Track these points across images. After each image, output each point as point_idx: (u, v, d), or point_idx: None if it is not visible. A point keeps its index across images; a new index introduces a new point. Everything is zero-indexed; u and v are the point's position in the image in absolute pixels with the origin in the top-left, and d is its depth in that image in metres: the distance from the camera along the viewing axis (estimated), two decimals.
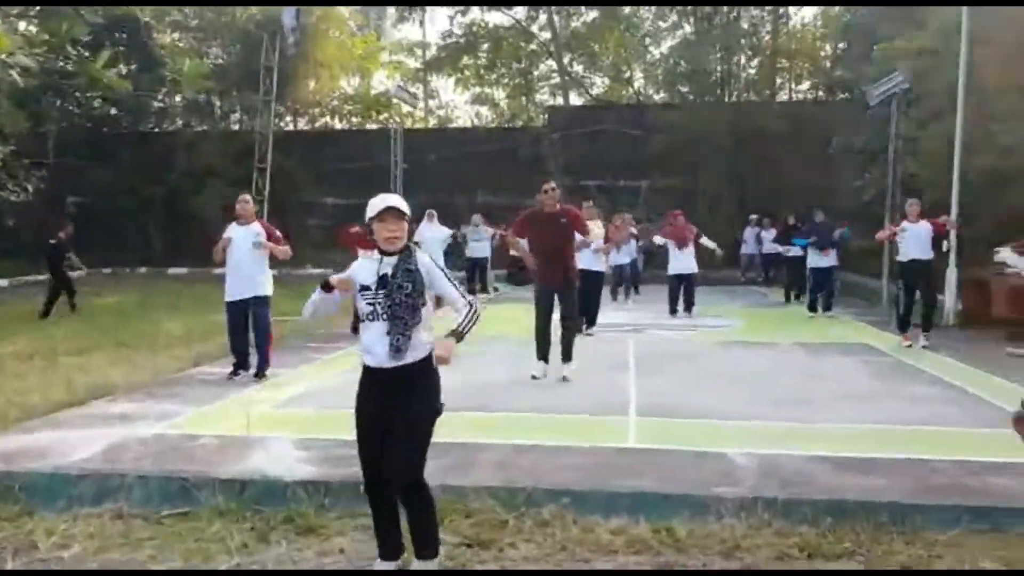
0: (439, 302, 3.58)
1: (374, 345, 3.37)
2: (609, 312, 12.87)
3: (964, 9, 11.23)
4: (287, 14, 20.00)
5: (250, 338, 7.70)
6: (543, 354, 7.50)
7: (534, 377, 7.37)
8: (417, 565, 3.45)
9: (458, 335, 3.37)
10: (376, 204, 3.38)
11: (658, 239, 12.92)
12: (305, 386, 7.31)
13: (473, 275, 15.89)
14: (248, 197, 7.75)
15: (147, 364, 8.25)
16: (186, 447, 5.27)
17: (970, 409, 6.39)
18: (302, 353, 9.06)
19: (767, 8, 24.84)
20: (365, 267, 3.48)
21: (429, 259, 3.48)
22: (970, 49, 11.15)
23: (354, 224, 10.91)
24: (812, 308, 12.50)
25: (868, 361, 8.62)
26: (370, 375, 3.44)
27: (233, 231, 7.54)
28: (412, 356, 3.36)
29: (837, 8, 23.99)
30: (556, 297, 7.49)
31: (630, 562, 3.76)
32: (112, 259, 22.67)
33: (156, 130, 27.94)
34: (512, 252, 14.42)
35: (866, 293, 15.11)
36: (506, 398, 6.68)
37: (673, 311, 12.54)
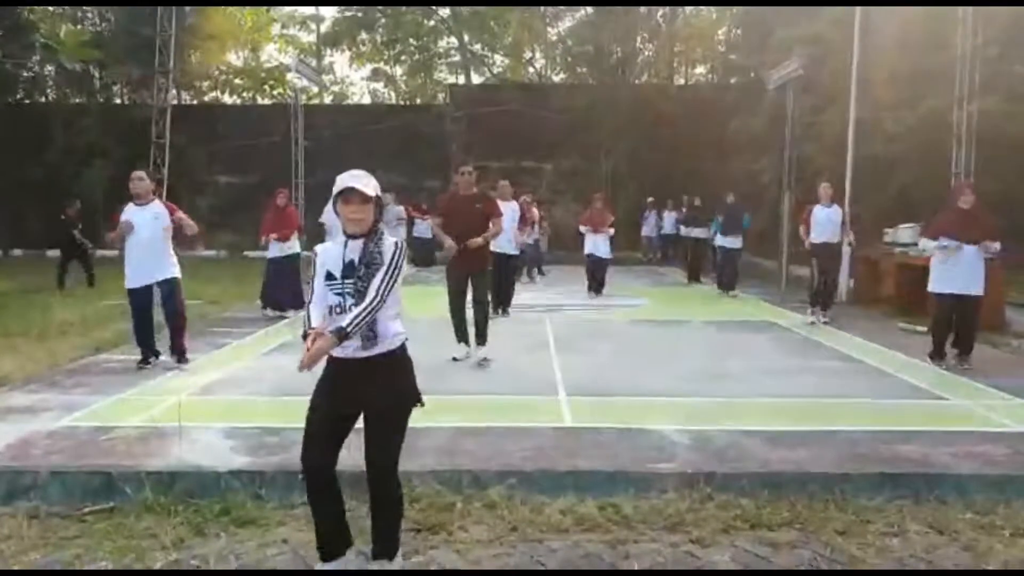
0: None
1: None
2: (521, 293, 12.95)
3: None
4: None
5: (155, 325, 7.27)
6: (462, 336, 7.48)
7: (455, 359, 7.34)
8: (375, 565, 3.30)
9: (340, 331, 2.97)
10: (339, 183, 3.10)
11: (582, 228, 13.02)
12: (222, 372, 7.00)
13: None
14: (143, 174, 7.21)
15: (42, 354, 7.68)
16: (104, 439, 4.94)
17: (876, 381, 6.80)
18: (209, 338, 8.68)
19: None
20: (331, 253, 3.19)
21: (394, 244, 3.18)
22: (862, 39, 11.74)
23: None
24: (721, 285, 12.94)
25: (776, 337, 9.02)
26: (337, 367, 3.17)
27: (131, 212, 7.03)
28: (384, 346, 3.15)
29: None
30: (468, 280, 7.44)
31: (582, 540, 3.79)
32: None
33: (27, 102, 25.88)
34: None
35: (763, 273, 15.79)
36: (433, 382, 6.49)
37: (590, 289, 12.74)
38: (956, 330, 7.32)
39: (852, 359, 7.74)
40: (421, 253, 17.69)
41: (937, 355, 7.27)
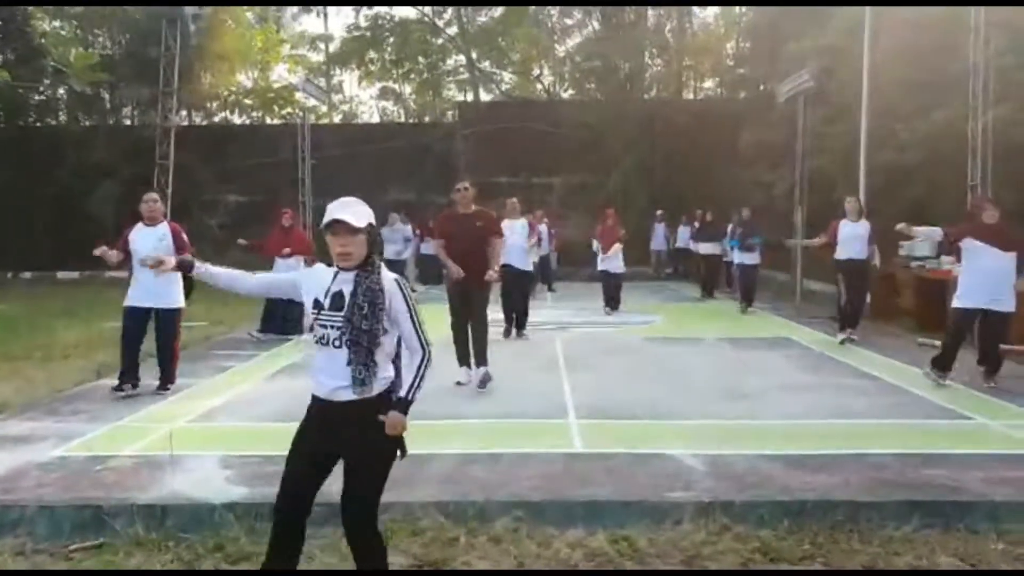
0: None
1: (326, 374, 2.90)
2: (530, 311, 12.78)
3: (867, 9, 11.64)
4: None
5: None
6: (464, 359, 7.23)
7: (459, 383, 7.09)
8: None
9: (406, 403, 2.87)
10: (326, 215, 2.87)
11: (594, 244, 12.84)
12: (223, 398, 6.83)
13: None
14: (155, 196, 7.12)
15: (43, 378, 7.55)
16: (96, 471, 4.77)
17: (896, 400, 6.55)
18: (211, 361, 8.53)
19: (672, 7, 25.30)
20: (316, 279, 2.97)
21: (396, 281, 2.93)
22: (872, 48, 11.56)
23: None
24: (750, 303, 12.67)
25: (793, 355, 8.79)
26: (320, 408, 2.95)
27: (139, 232, 6.95)
28: (374, 389, 2.89)
29: (737, 9, 24.68)
30: (469, 300, 7.21)
31: None
32: None
33: (38, 124, 26.02)
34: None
35: (777, 287, 15.53)
36: (440, 406, 6.37)
37: (607, 305, 12.56)
38: (982, 346, 7.05)
39: (871, 376, 7.51)
40: (429, 271, 17.53)
41: (939, 366, 6.90)
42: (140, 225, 7.02)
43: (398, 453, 3.02)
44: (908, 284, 10.79)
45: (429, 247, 17.29)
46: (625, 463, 4.80)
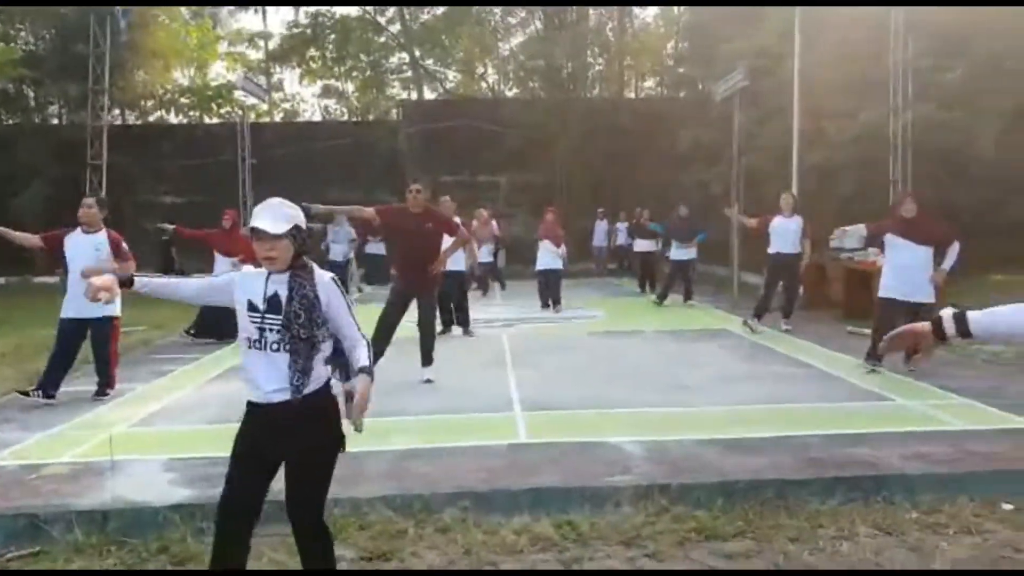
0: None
1: (262, 378, 2.86)
2: (479, 308, 12.88)
3: (796, 12, 12.05)
4: None
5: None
6: (376, 356, 7.16)
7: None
8: None
9: (369, 371, 2.87)
10: (253, 217, 2.85)
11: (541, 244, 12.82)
12: (163, 402, 6.75)
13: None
14: (92, 201, 6.84)
15: None
16: (31, 478, 4.68)
17: (826, 385, 6.89)
18: (151, 366, 8.40)
19: (613, 7, 25.65)
20: (251, 281, 2.92)
21: (331, 280, 2.95)
22: (803, 50, 11.98)
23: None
24: (662, 297, 12.96)
25: (730, 345, 9.09)
26: (259, 413, 2.91)
27: (75, 239, 6.74)
28: (312, 388, 2.88)
29: (676, 9, 25.15)
30: (415, 301, 7.25)
31: (538, 560, 3.71)
32: None
33: None
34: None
35: (716, 281, 15.94)
36: (383, 403, 6.38)
37: (544, 304, 12.66)
38: None
39: (803, 364, 7.82)
40: (375, 272, 17.48)
41: (874, 356, 7.22)
42: (78, 231, 6.78)
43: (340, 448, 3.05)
44: (838, 275, 11.21)
45: (374, 247, 17.30)
46: (568, 452, 4.95)
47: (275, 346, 2.85)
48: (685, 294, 12.91)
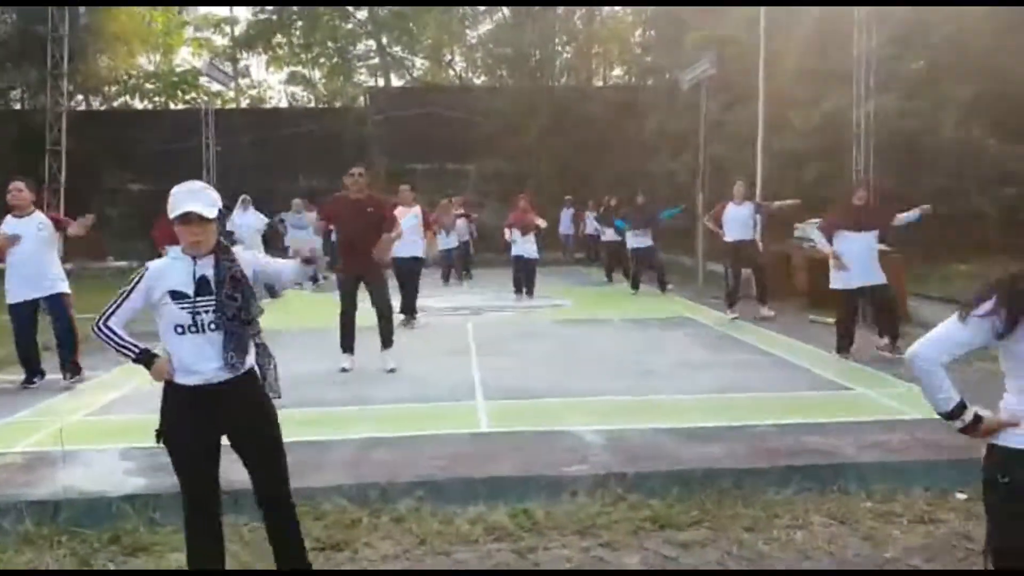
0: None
1: (200, 361, 2.87)
2: (446, 295, 12.85)
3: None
4: None
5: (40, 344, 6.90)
6: (347, 345, 7.20)
7: (344, 370, 7.06)
8: None
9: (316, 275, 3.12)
10: (174, 204, 2.83)
11: (507, 233, 12.71)
12: (122, 391, 6.63)
13: None
14: (21, 184, 6.76)
15: None
16: None
17: (786, 374, 6.95)
18: (111, 353, 8.17)
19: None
20: (173, 270, 2.90)
21: (250, 254, 3.09)
22: (768, 39, 12.05)
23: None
24: (634, 285, 13.02)
25: (693, 333, 9.14)
26: (193, 398, 2.91)
27: (10, 225, 6.63)
28: (247, 366, 2.97)
29: None
30: (364, 286, 7.20)
31: (492, 549, 3.71)
32: None
33: None
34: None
35: (681, 271, 16.01)
36: (345, 391, 6.42)
37: (518, 292, 12.59)
38: (876, 319, 7.54)
39: (765, 352, 7.89)
40: (337, 259, 17.29)
41: (843, 348, 7.38)
42: (9, 218, 6.69)
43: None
44: (801, 265, 11.30)
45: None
46: (528, 440, 4.95)
47: (213, 326, 2.88)
48: (660, 282, 12.84)
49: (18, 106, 24.76)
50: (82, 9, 17.93)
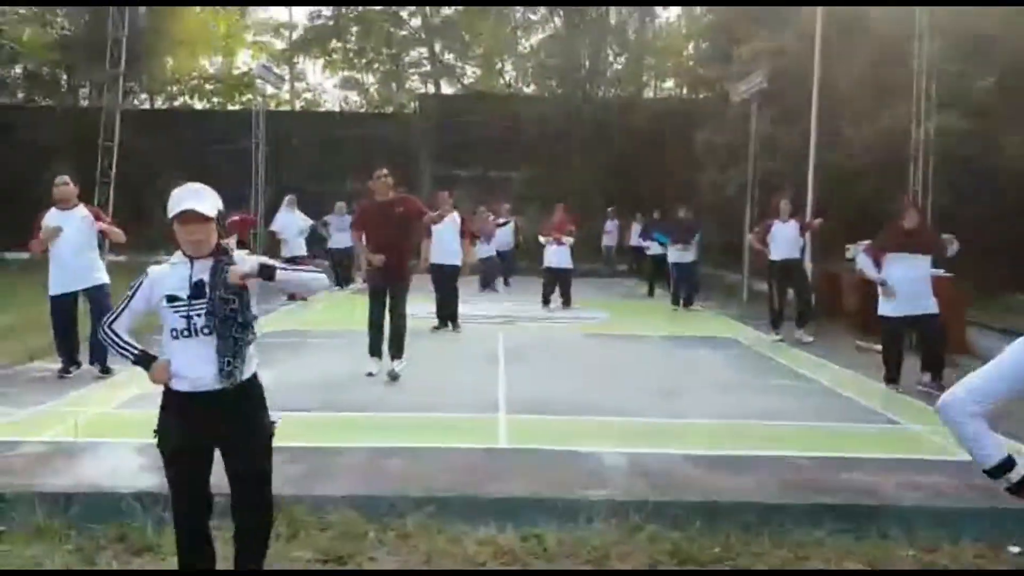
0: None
1: (193, 367, 2.81)
2: (481, 303, 12.70)
3: (819, 12, 11.73)
4: None
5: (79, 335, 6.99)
6: (375, 350, 7.11)
7: (370, 374, 6.98)
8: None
9: (269, 269, 2.82)
10: (174, 203, 2.78)
11: (541, 239, 12.60)
12: (151, 384, 6.63)
13: (336, 266, 15.19)
14: (67, 178, 6.98)
15: None
16: (4, 457, 4.63)
17: (827, 402, 6.60)
18: (148, 346, 8.27)
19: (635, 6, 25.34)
20: (171, 275, 2.86)
21: (254, 259, 2.91)
22: (823, 51, 11.66)
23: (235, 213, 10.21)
24: (675, 301, 12.74)
25: (732, 354, 8.83)
26: (186, 403, 2.85)
27: (54, 218, 6.79)
28: (243, 375, 2.87)
29: (699, 8, 24.79)
30: (387, 291, 7.11)
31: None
32: None
33: None
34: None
35: (726, 288, 15.64)
36: (365, 397, 6.32)
37: (545, 303, 12.40)
38: (922, 351, 7.11)
39: (806, 378, 7.55)
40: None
41: (891, 378, 6.98)
42: (53, 210, 6.85)
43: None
44: (851, 286, 10.88)
45: None
46: (546, 460, 4.76)
47: (206, 330, 2.82)
48: (687, 298, 12.60)
49: (85, 103, 25.54)
50: (142, 10, 18.38)
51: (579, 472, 4.52)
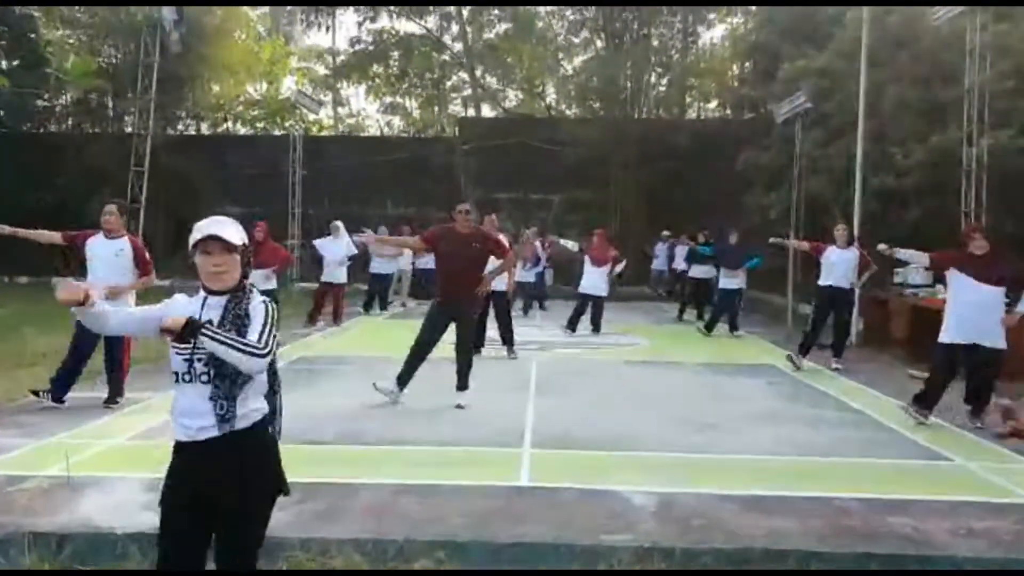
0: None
1: (190, 413, 2.60)
2: (518, 329, 12.45)
3: (863, 32, 11.38)
4: (168, 8, 18.64)
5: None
6: (405, 379, 6.87)
7: (394, 401, 6.81)
8: None
9: (198, 327, 2.46)
10: (196, 232, 2.61)
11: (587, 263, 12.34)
12: (166, 413, 6.54)
13: (374, 293, 15.13)
14: (114, 207, 6.91)
15: (3, 388, 7.26)
16: (10, 491, 4.48)
17: (874, 436, 6.20)
18: (163, 377, 8.20)
19: (677, 27, 25.13)
20: (182, 309, 2.64)
21: (263, 303, 2.67)
22: (869, 71, 11.29)
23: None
24: (710, 327, 12.30)
25: (772, 383, 8.42)
26: (187, 453, 2.64)
27: (97, 242, 6.79)
28: (242, 423, 2.62)
29: (743, 28, 24.47)
30: (453, 323, 6.97)
31: None
32: None
33: (40, 131, 26.14)
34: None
35: (771, 311, 15.17)
36: (383, 428, 6.08)
37: (572, 328, 12.10)
38: (972, 384, 6.57)
39: (851, 409, 7.14)
40: (425, 286, 17.17)
41: (922, 403, 6.47)
42: (100, 235, 6.85)
43: (280, 491, 2.75)
44: (901, 312, 10.41)
45: (425, 260, 17.01)
46: (569, 499, 4.48)
47: (204, 376, 2.56)
48: (731, 324, 12.21)
49: (129, 129, 26.16)
50: (175, 36, 18.73)
51: (603, 514, 4.24)
